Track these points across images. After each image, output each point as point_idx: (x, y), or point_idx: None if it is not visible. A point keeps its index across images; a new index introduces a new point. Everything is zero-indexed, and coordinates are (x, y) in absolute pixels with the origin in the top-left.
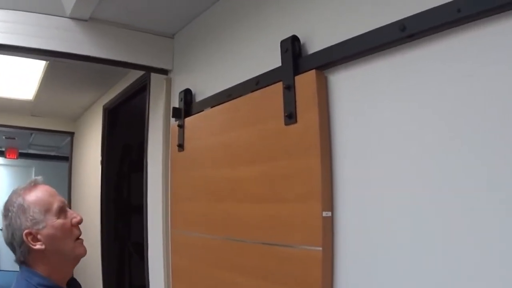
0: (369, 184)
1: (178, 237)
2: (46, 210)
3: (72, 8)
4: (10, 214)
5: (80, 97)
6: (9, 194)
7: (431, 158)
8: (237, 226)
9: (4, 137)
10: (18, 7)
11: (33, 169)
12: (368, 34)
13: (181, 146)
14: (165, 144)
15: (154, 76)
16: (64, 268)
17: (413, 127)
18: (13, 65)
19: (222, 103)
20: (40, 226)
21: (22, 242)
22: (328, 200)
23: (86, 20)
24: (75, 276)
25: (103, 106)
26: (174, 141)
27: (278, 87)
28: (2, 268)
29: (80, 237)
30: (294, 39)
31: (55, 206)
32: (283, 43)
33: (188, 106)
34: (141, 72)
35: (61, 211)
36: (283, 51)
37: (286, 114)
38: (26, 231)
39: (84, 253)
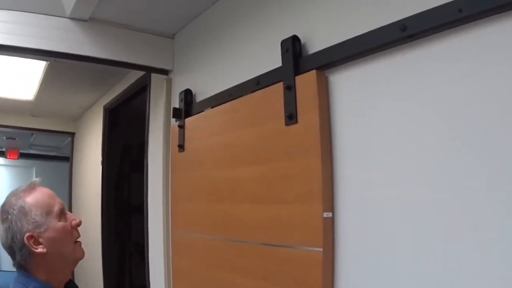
0: (370, 184)
1: (179, 238)
2: (47, 212)
3: (72, 8)
4: (10, 217)
5: (80, 98)
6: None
7: (431, 158)
8: (237, 226)
9: (4, 137)
10: (18, 7)
11: (34, 169)
12: (369, 34)
13: (181, 147)
14: (166, 144)
15: (154, 76)
16: (64, 270)
17: (414, 127)
18: (13, 65)
19: (223, 103)
20: (42, 229)
21: (23, 245)
22: (329, 200)
23: (86, 21)
24: (76, 276)
25: (104, 106)
26: (175, 141)
27: (279, 87)
28: (2, 269)
29: (78, 239)
30: (295, 39)
31: (56, 208)
32: (283, 43)
33: (188, 106)
34: (142, 72)
35: (61, 214)
36: (284, 51)
37: (286, 115)
38: (27, 234)
39: (83, 255)
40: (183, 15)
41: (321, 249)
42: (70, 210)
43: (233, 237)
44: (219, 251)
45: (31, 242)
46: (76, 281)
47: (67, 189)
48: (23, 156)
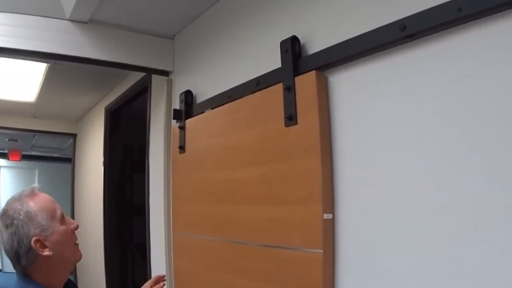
0: (370, 185)
1: (179, 239)
2: (52, 216)
3: (71, 10)
4: (15, 222)
5: (81, 99)
6: (12, 195)
7: (431, 159)
8: (238, 228)
9: (7, 139)
10: (18, 10)
11: (36, 170)
12: (368, 34)
13: (182, 148)
14: (167, 145)
15: (155, 78)
16: (64, 272)
17: (414, 127)
18: (15, 67)
19: (223, 104)
20: (48, 233)
21: (30, 249)
22: (329, 202)
23: (86, 22)
24: (78, 277)
25: (105, 108)
26: (175, 142)
27: (278, 88)
28: (5, 270)
29: (76, 241)
30: (294, 39)
31: (58, 212)
32: (283, 43)
33: (189, 107)
34: (142, 74)
35: (62, 218)
36: (283, 51)
37: (286, 116)
38: (34, 238)
39: (81, 257)
40: (183, 16)
41: (322, 251)
42: (73, 211)
43: (234, 239)
44: (220, 252)
45: (38, 246)
46: (79, 282)
47: (69, 190)
48: (25, 157)
